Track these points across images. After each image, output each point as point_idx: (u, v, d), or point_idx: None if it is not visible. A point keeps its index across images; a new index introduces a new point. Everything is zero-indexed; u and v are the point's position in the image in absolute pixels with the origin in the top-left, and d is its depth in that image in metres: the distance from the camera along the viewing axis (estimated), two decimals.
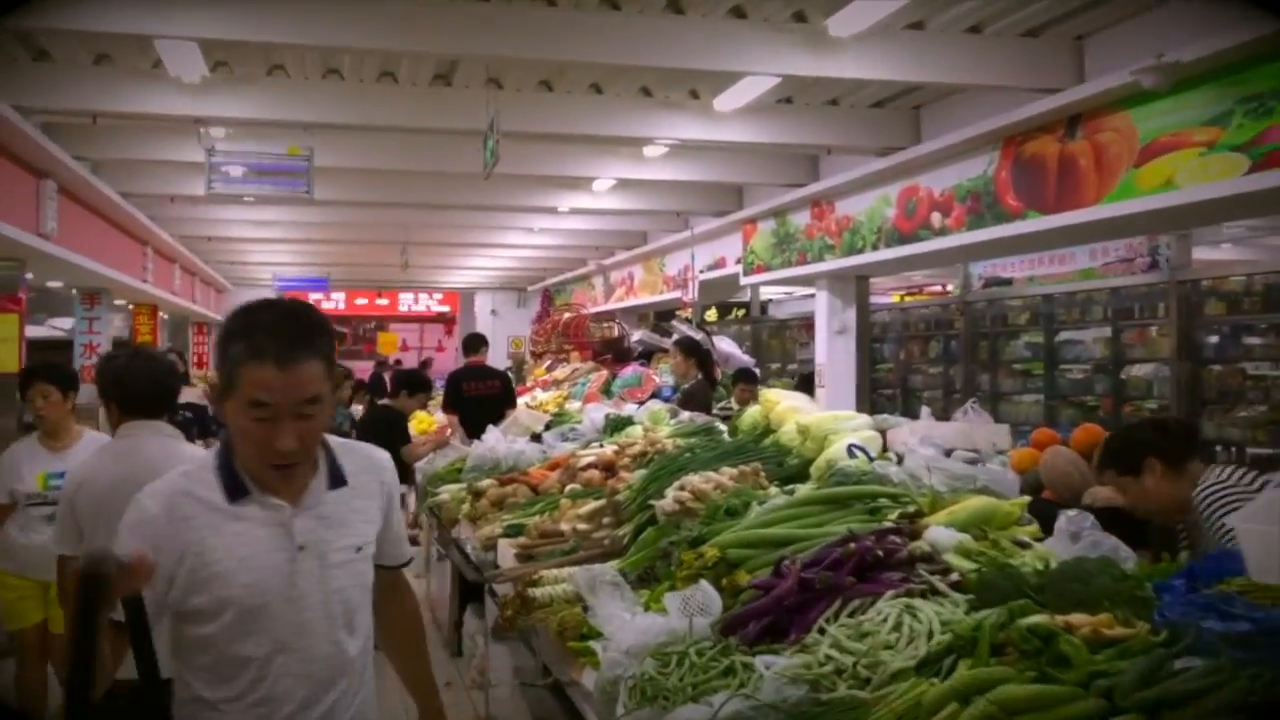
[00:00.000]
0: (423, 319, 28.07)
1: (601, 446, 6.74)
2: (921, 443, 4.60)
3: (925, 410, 6.37)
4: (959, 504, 3.59)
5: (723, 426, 6.62)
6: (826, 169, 9.28)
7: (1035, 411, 11.59)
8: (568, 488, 5.97)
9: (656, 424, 6.89)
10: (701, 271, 11.99)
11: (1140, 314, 10.42)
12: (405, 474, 8.34)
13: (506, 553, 5.19)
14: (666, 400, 9.03)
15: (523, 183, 11.09)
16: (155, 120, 7.76)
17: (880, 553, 2.78)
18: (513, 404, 9.88)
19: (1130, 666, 2.10)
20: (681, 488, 4.49)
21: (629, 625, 3.09)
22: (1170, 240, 9.87)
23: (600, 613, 3.29)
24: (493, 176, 10.88)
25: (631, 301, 15.17)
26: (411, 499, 8.96)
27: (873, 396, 11.47)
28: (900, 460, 4.18)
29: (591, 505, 5.01)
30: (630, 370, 10.78)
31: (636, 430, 6.77)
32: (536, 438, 7.89)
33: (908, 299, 18.05)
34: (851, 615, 2.70)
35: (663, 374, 10.21)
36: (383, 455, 2.54)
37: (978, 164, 6.89)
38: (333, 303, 26.13)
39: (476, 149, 7.20)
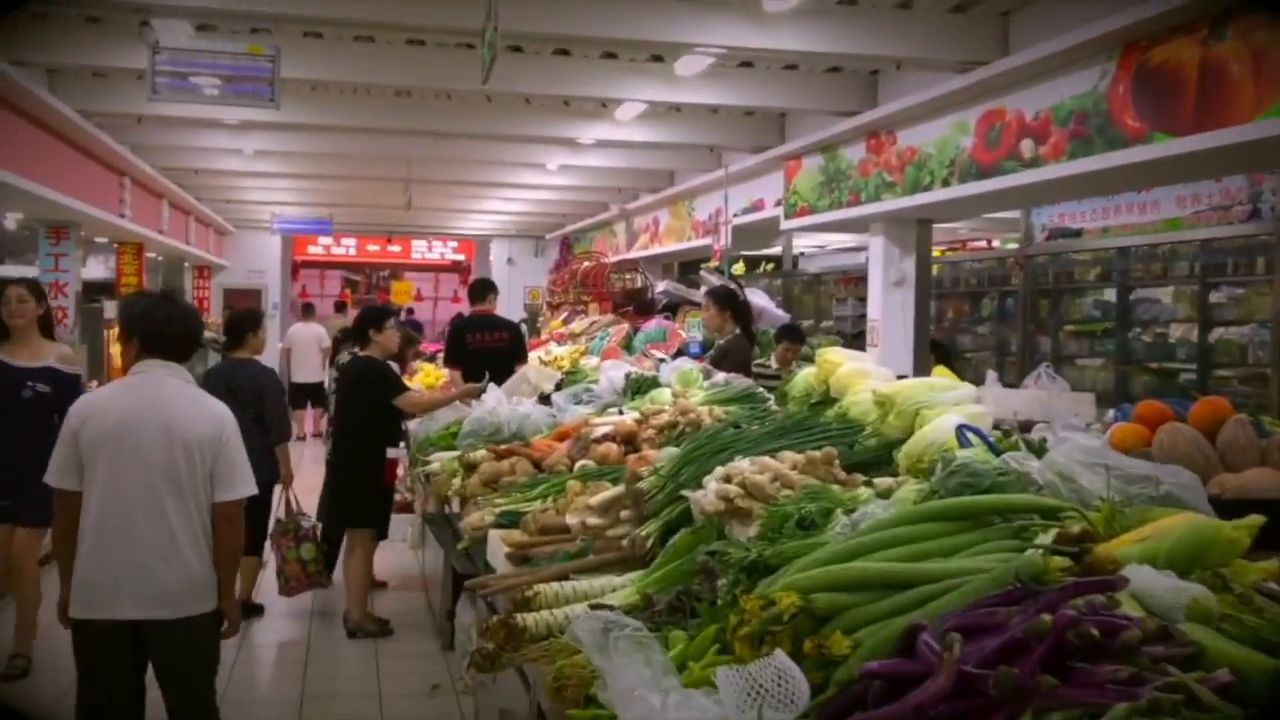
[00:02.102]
0: (437, 268, 26.86)
1: (621, 413, 5.60)
2: (1063, 425, 3.43)
3: (991, 376, 5.20)
4: (1150, 523, 2.42)
5: (767, 394, 5.46)
6: (886, 93, 8.01)
7: (1104, 378, 10.42)
8: (578, 464, 4.85)
9: (687, 387, 5.73)
10: (735, 215, 10.76)
11: (1235, 269, 9.19)
12: (397, 431, 7.20)
13: (499, 550, 4.07)
14: (694, 358, 7.91)
15: (536, 109, 9.88)
16: (93, 9, 6.55)
17: (1094, 631, 1.61)
18: (523, 359, 8.85)
19: None
20: (728, 478, 3.34)
21: (659, 717, 1.96)
22: (1277, 185, 8.60)
23: (615, 685, 2.15)
24: (502, 101, 9.71)
25: (656, 250, 13.94)
26: (405, 460, 7.87)
27: None
28: (1039, 451, 2.99)
29: (606, 494, 3.86)
30: (654, 324, 9.71)
31: (664, 394, 5.61)
32: (546, 399, 6.79)
33: (948, 254, 16.78)
34: None
35: (690, 329, 9.07)
36: None
37: (1085, 78, 5.64)
38: (343, 248, 24.98)
39: (479, 62, 6.00)
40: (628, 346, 9.09)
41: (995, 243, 17.82)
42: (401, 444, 7.41)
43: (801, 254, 18.61)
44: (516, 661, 3.03)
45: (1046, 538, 2.43)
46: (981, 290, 12.68)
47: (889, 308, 8.12)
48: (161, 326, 3.74)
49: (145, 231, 12.85)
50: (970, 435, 3.15)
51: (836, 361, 4.83)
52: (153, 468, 3.60)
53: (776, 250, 15.89)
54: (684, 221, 12.80)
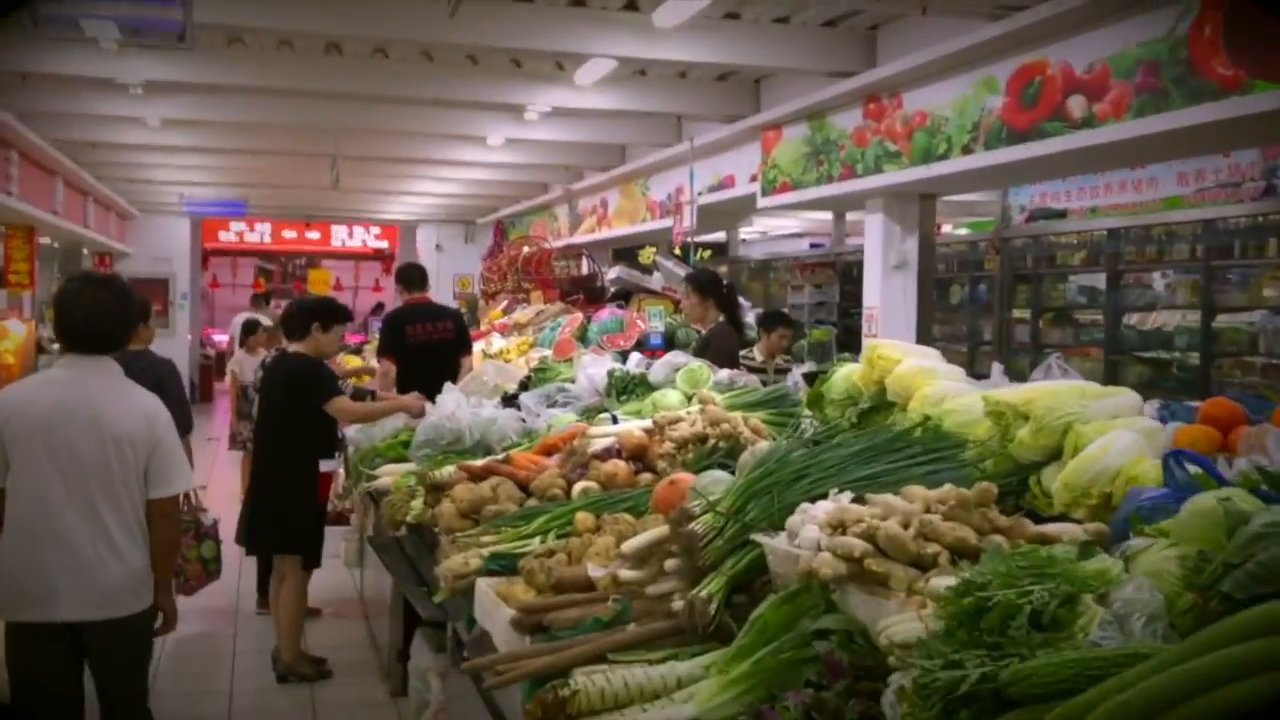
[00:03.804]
0: (358, 255, 25.48)
1: (615, 420, 4.63)
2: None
3: (997, 368, 4.37)
4: None
5: (798, 397, 4.56)
6: (887, 51, 7.14)
7: (1089, 368, 9.68)
8: (576, 488, 3.88)
9: (696, 387, 4.78)
10: (700, 193, 9.81)
11: (1243, 251, 8.51)
12: (332, 440, 6.20)
13: (495, 611, 3.08)
14: (654, 350, 7.03)
15: (484, 69, 8.80)
16: None
17: None
18: (468, 351, 7.91)
19: None
20: (839, 525, 2.40)
21: None
22: None
23: None
24: (445, 58, 8.66)
25: (605, 234, 12.91)
26: (342, 473, 6.81)
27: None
28: None
29: (643, 537, 2.92)
30: (607, 313, 8.79)
31: (670, 397, 4.65)
32: (510, 400, 5.82)
33: None
34: None
35: (650, 318, 8.13)
36: None
37: (1157, 21, 4.80)
38: (257, 234, 23.48)
39: (424, 14, 4.96)
40: (582, 338, 8.16)
41: (946, 228, 17.12)
42: (337, 454, 6.38)
43: (743, 240, 17.80)
44: None
45: None
46: (950, 275, 11.93)
47: (889, 293, 7.25)
48: (81, 322, 3.57)
49: (36, 212, 11.48)
50: (1189, 466, 2.24)
51: (893, 358, 3.92)
52: (83, 466, 3.48)
53: (716, 237, 15.00)
54: (637, 202, 11.81)
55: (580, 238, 13.70)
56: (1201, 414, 3.44)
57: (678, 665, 2.42)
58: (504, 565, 3.34)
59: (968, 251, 11.71)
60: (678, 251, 11.11)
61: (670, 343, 7.46)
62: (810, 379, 5.24)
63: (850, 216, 13.99)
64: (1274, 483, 2.19)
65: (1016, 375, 4.16)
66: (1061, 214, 10.43)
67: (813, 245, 17.47)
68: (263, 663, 6.09)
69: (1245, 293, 8.59)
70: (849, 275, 13.57)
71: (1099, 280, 9.92)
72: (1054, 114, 5.46)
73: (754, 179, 8.72)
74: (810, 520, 2.53)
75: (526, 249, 13.72)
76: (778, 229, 19.71)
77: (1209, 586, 1.72)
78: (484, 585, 3.24)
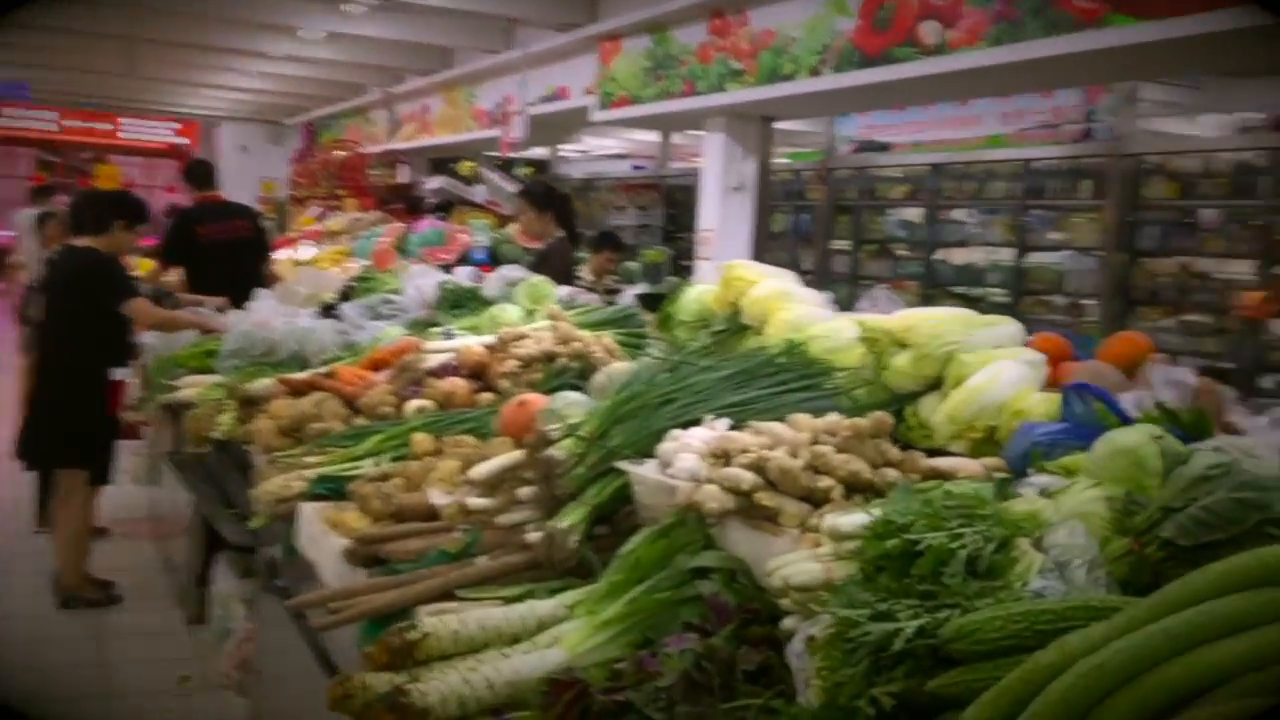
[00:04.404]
0: (152, 151, 23.75)
1: (449, 334, 4.33)
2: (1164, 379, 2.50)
3: (828, 298, 4.37)
4: None
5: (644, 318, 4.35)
6: None
7: (908, 303, 9.82)
8: (409, 405, 3.57)
9: (537, 304, 4.50)
10: (532, 104, 9.40)
11: (1057, 192, 8.77)
12: (125, 345, 5.63)
13: (323, 540, 2.78)
14: (478, 265, 6.70)
15: None
16: None
17: None
18: (267, 255, 7.45)
19: None
20: (722, 454, 2.20)
21: None
22: (1116, 104, 8.16)
23: None
24: None
25: (426, 141, 12.31)
26: (136, 382, 6.24)
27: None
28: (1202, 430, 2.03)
29: (496, 461, 2.65)
30: (427, 225, 8.42)
31: (512, 313, 4.36)
32: (329, 310, 5.44)
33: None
34: None
35: (474, 231, 7.78)
36: None
37: None
38: (38, 121, 21.55)
39: None
40: (402, 249, 7.76)
41: None
42: (131, 362, 5.82)
43: (563, 159, 17.44)
44: None
45: None
46: (773, 204, 11.94)
47: (725, 216, 7.09)
48: None
49: None
50: (1093, 401, 2.13)
51: (749, 279, 3.77)
52: None
53: (537, 153, 14.58)
54: (461, 110, 11.28)
55: (399, 144, 13.07)
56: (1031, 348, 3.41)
57: (537, 604, 2.19)
58: (332, 489, 3.04)
59: (792, 181, 11.72)
60: (504, 161, 10.73)
61: (495, 258, 7.14)
62: (648, 301, 5.05)
63: (676, 139, 13.85)
64: (1178, 421, 2.10)
65: (839, 306, 4.05)
66: (885, 147, 10.53)
67: (635, 167, 17.24)
68: (41, 585, 5.57)
69: (1056, 232, 8.86)
70: (673, 198, 13.48)
71: (918, 215, 10.11)
72: (906, 39, 5.35)
73: (589, 92, 8.39)
74: (686, 449, 2.33)
75: (339, 153, 13.02)
76: (600, 149, 19.37)
77: (1146, 531, 1.59)
78: (310, 511, 2.93)
